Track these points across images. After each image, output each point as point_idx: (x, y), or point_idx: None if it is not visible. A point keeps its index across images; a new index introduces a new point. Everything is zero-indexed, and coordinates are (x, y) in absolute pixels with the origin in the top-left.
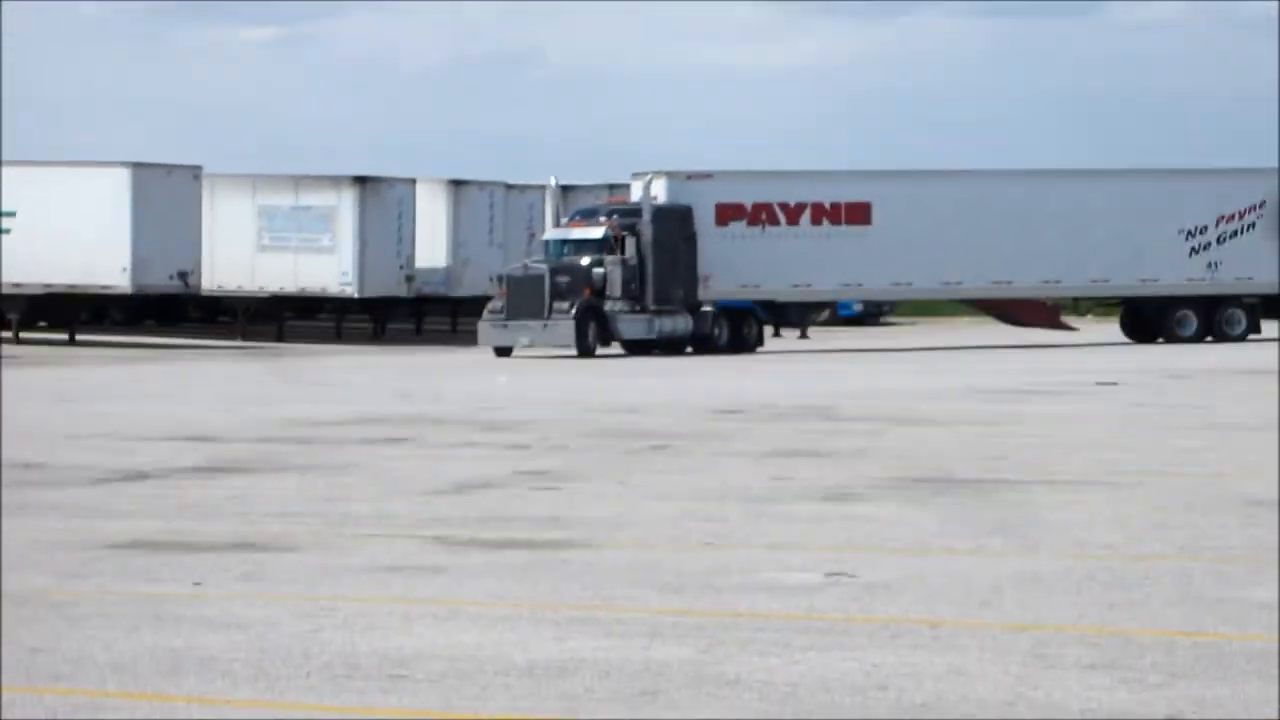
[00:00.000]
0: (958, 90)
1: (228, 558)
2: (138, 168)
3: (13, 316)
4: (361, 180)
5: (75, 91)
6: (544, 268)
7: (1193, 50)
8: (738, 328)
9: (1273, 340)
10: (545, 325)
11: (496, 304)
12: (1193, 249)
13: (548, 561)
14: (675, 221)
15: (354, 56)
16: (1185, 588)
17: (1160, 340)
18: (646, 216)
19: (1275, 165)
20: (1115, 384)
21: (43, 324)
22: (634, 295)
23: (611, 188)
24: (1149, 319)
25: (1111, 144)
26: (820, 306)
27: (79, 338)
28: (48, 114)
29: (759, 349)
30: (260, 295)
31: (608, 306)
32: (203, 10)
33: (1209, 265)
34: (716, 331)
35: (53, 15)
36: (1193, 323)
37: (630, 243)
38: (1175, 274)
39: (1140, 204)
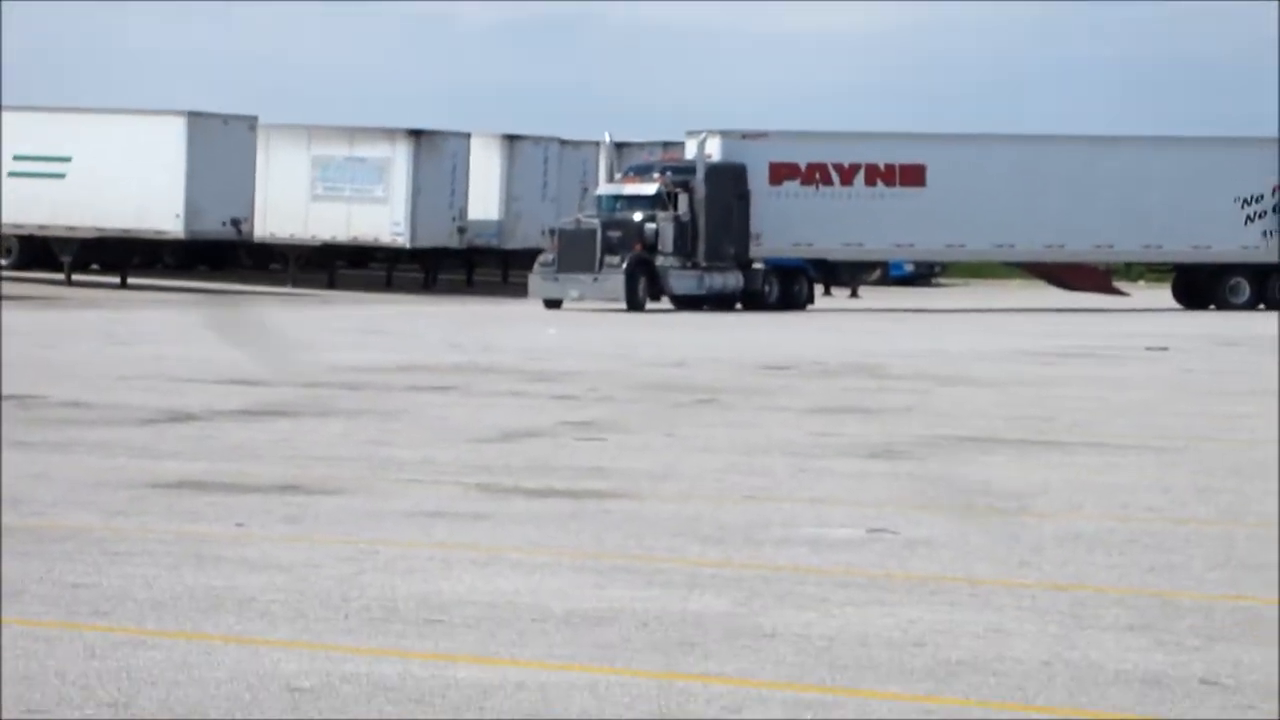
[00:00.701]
0: (1013, 55)
1: (271, 500)
2: (193, 116)
3: (65, 259)
4: (416, 133)
5: (134, 43)
6: (596, 222)
7: (1252, 16)
8: (788, 285)
9: None
10: (596, 279)
11: (548, 257)
12: (1248, 217)
13: (590, 511)
14: (728, 179)
15: (412, 11)
16: (1227, 552)
17: (1212, 307)
18: (700, 174)
19: None
20: (1165, 349)
21: (95, 267)
22: (685, 251)
23: (666, 145)
24: (1201, 285)
25: (1167, 111)
26: (872, 266)
27: (131, 281)
28: (106, 62)
29: (809, 307)
30: (312, 244)
31: (659, 262)
32: None
33: (1264, 234)
34: (767, 289)
35: None
36: (1245, 290)
37: (683, 200)
38: (1229, 241)
39: (1195, 171)
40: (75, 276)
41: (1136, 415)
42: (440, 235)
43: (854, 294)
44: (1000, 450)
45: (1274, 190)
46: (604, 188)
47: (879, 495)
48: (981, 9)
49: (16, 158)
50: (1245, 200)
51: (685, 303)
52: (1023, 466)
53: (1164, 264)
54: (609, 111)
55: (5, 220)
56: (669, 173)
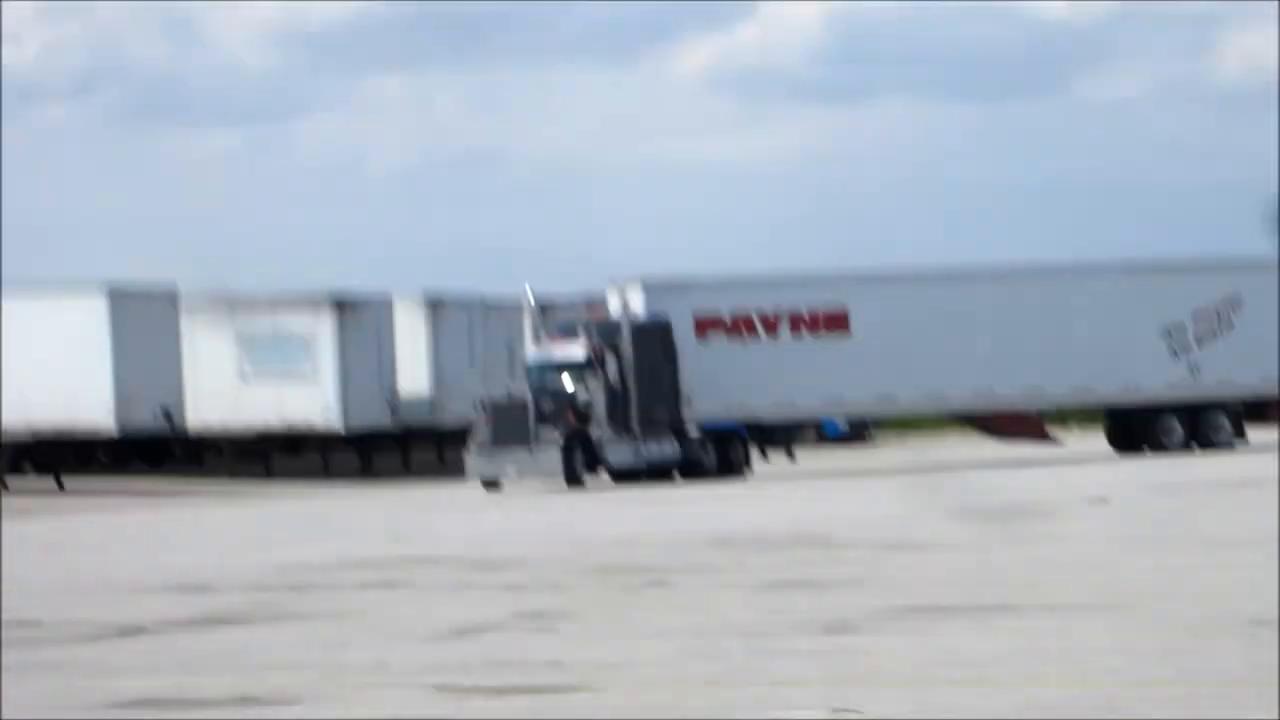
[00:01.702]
0: (931, 181)
1: (230, 712)
2: (115, 294)
3: None
4: (340, 305)
5: (33, 204)
6: (527, 394)
7: (1167, 131)
8: (725, 450)
9: (1263, 449)
10: (532, 453)
11: (482, 433)
12: (1173, 350)
13: (552, 706)
14: (655, 338)
15: (323, 160)
16: (1193, 714)
17: (1145, 449)
18: (626, 334)
19: (1245, 256)
20: (1106, 500)
21: (27, 468)
22: (618, 419)
23: (589, 304)
24: (1134, 428)
25: (1090, 233)
26: (805, 426)
27: (67, 484)
28: (12, 229)
29: (747, 472)
30: (246, 435)
31: (594, 433)
32: (163, 115)
33: (1190, 370)
34: (704, 456)
35: (13, 124)
36: (1178, 431)
37: (611, 363)
38: (1157, 378)
39: (1118, 301)
40: (9, 478)
41: (1085, 573)
42: (373, 415)
43: (790, 456)
44: (955, 617)
45: (1191, 316)
46: (532, 354)
47: (839, 673)
48: (897, 133)
49: None
50: (1169, 331)
51: (623, 475)
52: (979, 634)
53: (1095, 406)
54: (527, 259)
55: None
56: (595, 332)
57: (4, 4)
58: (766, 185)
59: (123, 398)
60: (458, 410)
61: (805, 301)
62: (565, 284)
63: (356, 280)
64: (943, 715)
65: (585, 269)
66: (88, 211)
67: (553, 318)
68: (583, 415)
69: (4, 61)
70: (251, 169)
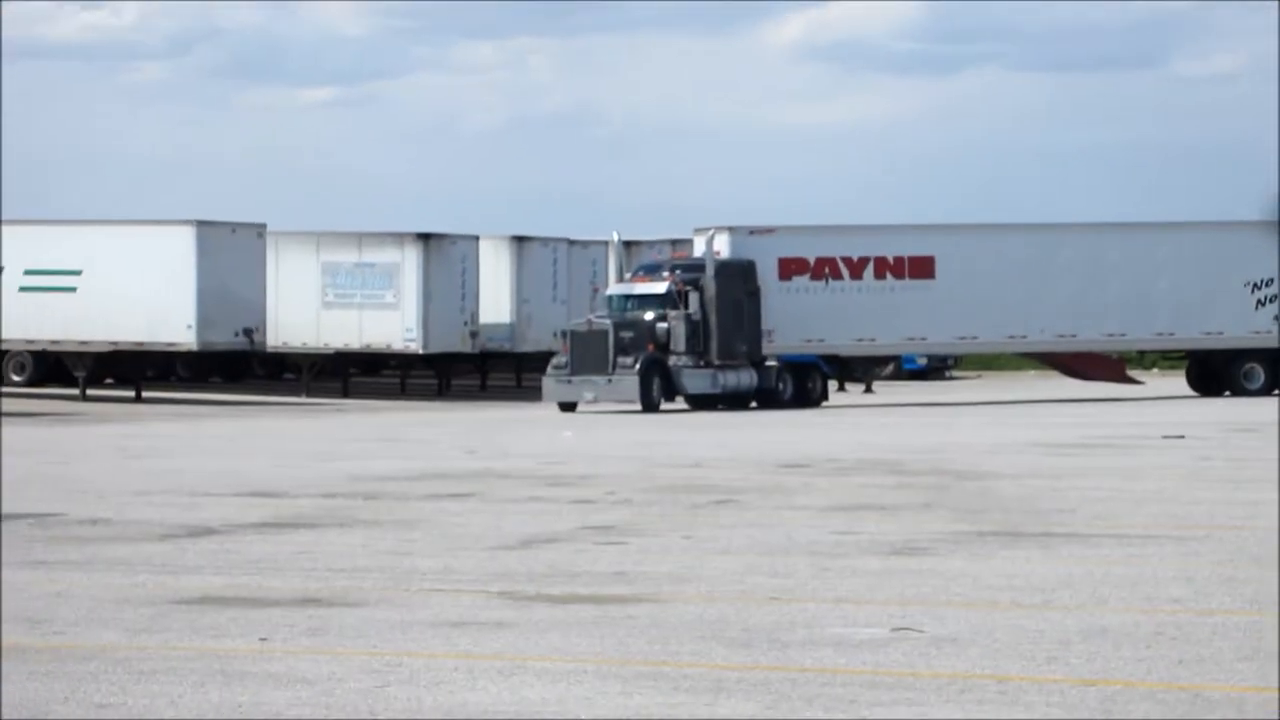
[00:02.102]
0: (1022, 144)
1: (294, 613)
2: (202, 225)
3: (79, 374)
4: (425, 237)
5: (141, 152)
6: (608, 323)
7: (1256, 100)
8: (802, 382)
9: None
10: (610, 380)
11: (561, 359)
12: (1258, 302)
13: (614, 616)
14: (738, 276)
15: (417, 118)
16: (1255, 643)
17: (1227, 393)
18: (710, 272)
19: None
20: (1182, 437)
21: (109, 381)
22: (698, 350)
23: (674, 243)
24: (1215, 372)
25: (1174, 197)
26: (884, 360)
27: (145, 394)
28: (114, 175)
29: (824, 403)
30: (325, 352)
31: (672, 361)
32: (263, 72)
33: (1276, 319)
34: (781, 386)
35: (118, 79)
36: (1260, 375)
37: (693, 298)
38: (1241, 327)
39: (1203, 256)
40: (90, 391)
41: (1156, 505)
42: (453, 340)
43: (868, 389)
44: (1022, 544)
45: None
46: (614, 288)
47: (903, 593)
48: (985, 94)
49: (27, 272)
50: (1255, 285)
51: (700, 402)
52: (1046, 560)
53: (1177, 351)
54: (615, 211)
55: (18, 336)
56: (678, 271)
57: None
58: (854, 148)
59: (205, 317)
60: (538, 339)
61: (891, 248)
62: (652, 231)
63: (446, 227)
64: (1003, 636)
65: (671, 221)
66: (184, 160)
67: (637, 257)
68: (662, 345)
69: (100, 26)
70: (345, 124)
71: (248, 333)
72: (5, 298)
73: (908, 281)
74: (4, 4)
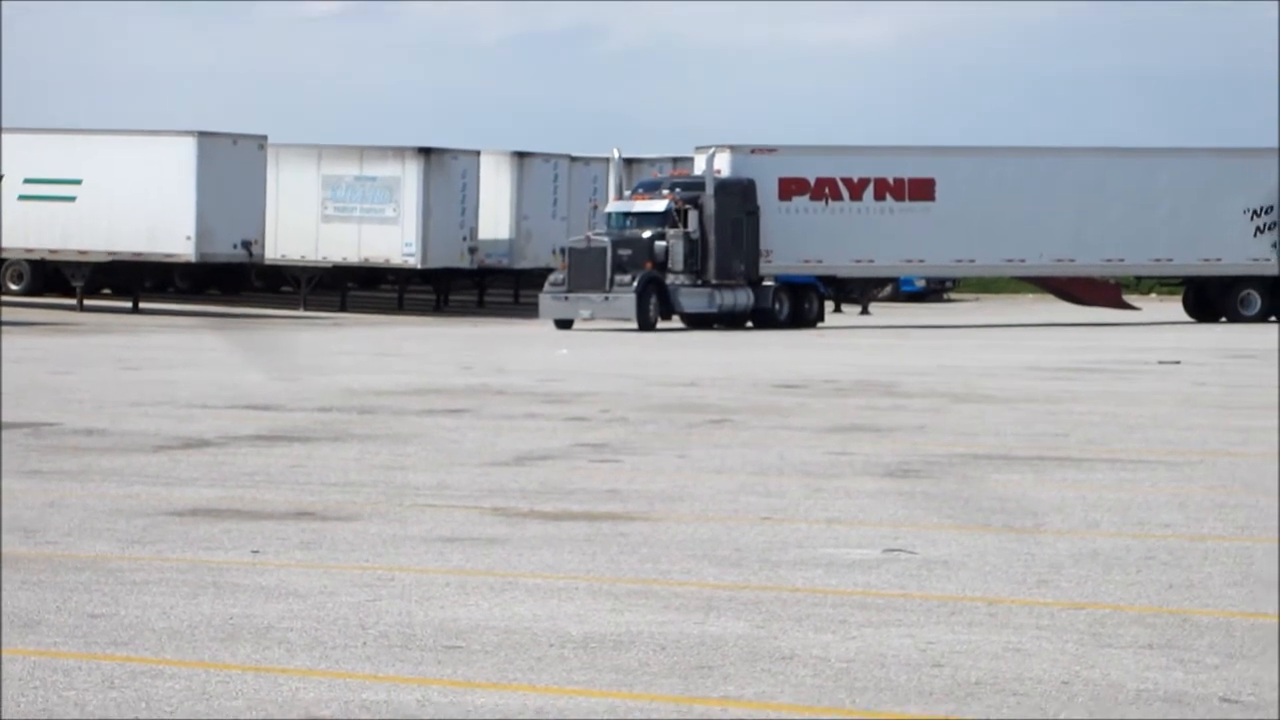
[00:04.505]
0: (1021, 67)
1: (287, 526)
2: (204, 136)
3: (77, 284)
4: (426, 151)
5: (144, 62)
6: (606, 240)
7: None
8: (799, 303)
9: None
10: (606, 298)
11: (558, 276)
12: (1257, 229)
13: (606, 534)
14: (738, 195)
15: (423, 33)
16: (1245, 568)
17: (1224, 320)
18: (709, 190)
19: None
20: (1178, 363)
21: (107, 291)
22: (695, 269)
23: (675, 160)
24: (1212, 298)
25: (1174, 122)
26: (882, 282)
27: (143, 305)
28: (116, 84)
29: (820, 324)
30: (324, 265)
31: (669, 280)
32: None
33: (1274, 245)
34: (777, 306)
35: None
36: (1257, 302)
37: (693, 216)
38: (1239, 254)
39: (1204, 183)
40: (87, 301)
41: (1150, 430)
42: (451, 256)
43: (865, 310)
44: (1015, 468)
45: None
46: (613, 205)
47: (895, 515)
48: (987, 15)
49: (27, 181)
50: (1254, 212)
51: (696, 321)
52: (1038, 483)
53: (1174, 277)
54: (617, 128)
55: (17, 245)
56: (678, 189)
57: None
58: (861, 67)
59: (204, 228)
60: (537, 255)
61: (892, 169)
62: (654, 149)
63: (449, 141)
64: (994, 558)
65: (675, 138)
66: (187, 70)
67: (638, 174)
68: (660, 263)
69: None
70: (352, 37)
71: (246, 245)
72: (4, 206)
73: (907, 203)
74: None
